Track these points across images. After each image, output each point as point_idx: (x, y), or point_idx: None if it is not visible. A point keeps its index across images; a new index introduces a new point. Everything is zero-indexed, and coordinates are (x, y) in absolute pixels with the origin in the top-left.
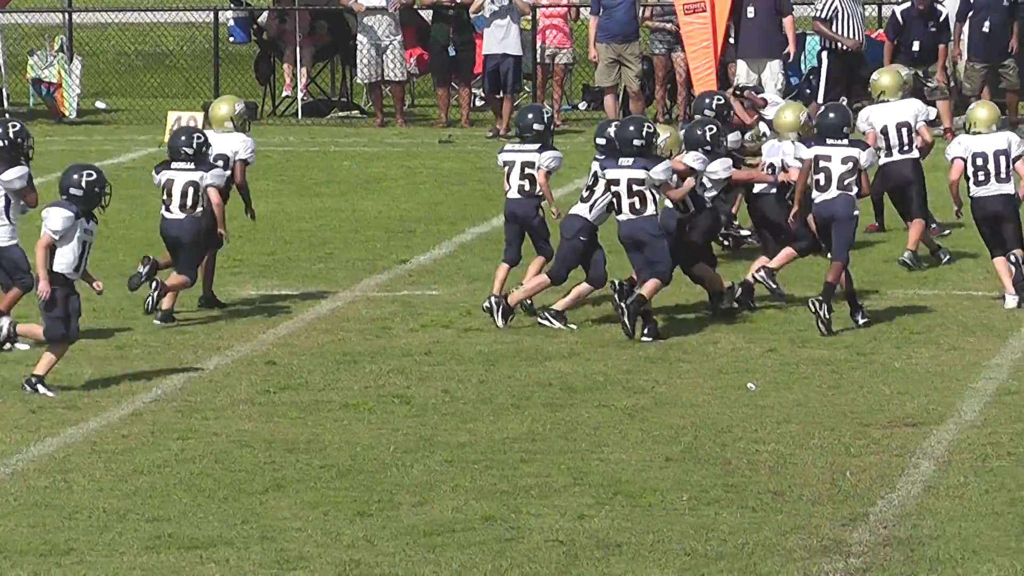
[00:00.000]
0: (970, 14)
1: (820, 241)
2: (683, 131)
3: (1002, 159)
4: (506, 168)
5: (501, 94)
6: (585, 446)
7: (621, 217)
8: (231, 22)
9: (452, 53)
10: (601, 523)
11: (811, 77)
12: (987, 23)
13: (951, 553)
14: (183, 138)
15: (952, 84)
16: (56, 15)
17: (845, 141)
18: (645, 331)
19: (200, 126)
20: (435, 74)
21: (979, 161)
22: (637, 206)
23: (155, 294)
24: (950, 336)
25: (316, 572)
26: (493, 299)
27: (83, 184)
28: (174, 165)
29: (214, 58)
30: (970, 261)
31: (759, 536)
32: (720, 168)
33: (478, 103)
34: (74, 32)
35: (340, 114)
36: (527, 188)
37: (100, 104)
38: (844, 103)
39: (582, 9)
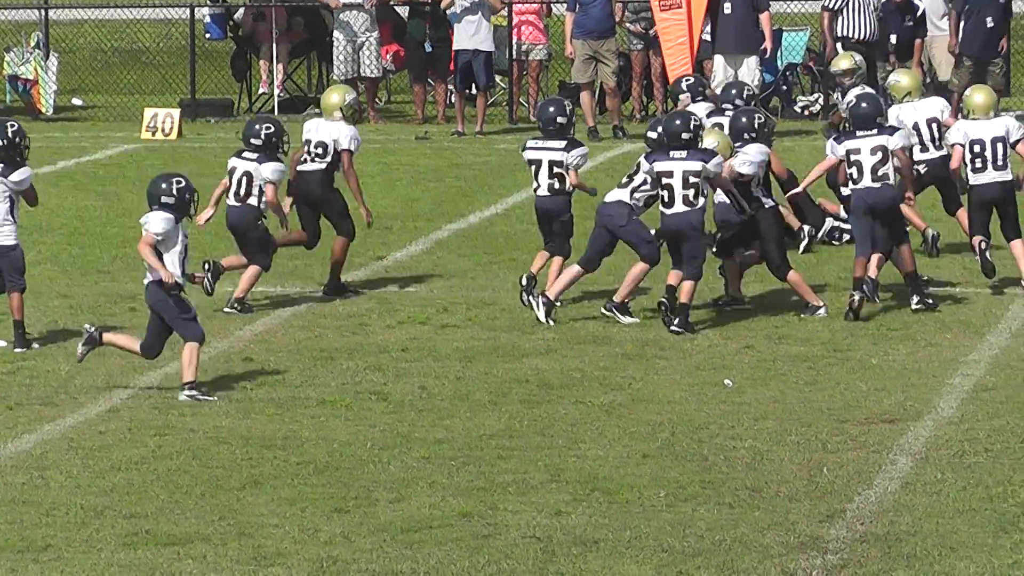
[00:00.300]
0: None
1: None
2: (729, 120)
3: (999, 146)
4: (532, 167)
5: (473, 91)
6: (562, 443)
7: (671, 210)
8: (207, 19)
9: (428, 49)
10: (578, 519)
11: (787, 73)
12: (988, 20)
13: (928, 549)
14: (255, 127)
15: (928, 80)
16: (32, 11)
17: (874, 131)
18: (676, 321)
19: (176, 123)
20: (411, 70)
21: (976, 148)
22: (691, 198)
23: (209, 275)
24: (927, 332)
25: (293, 568)
26: (541, 298)
27: (174, 191)
28: (244, 154)
29: (191, 55)
30: (947, 258)
31: (736, 532)
32: (756, 153)
33: (454, 99)
34: (50, 28)
35: (316, 110)
36: (556, 186)
37: (77, 101)
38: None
39: (557, 5)
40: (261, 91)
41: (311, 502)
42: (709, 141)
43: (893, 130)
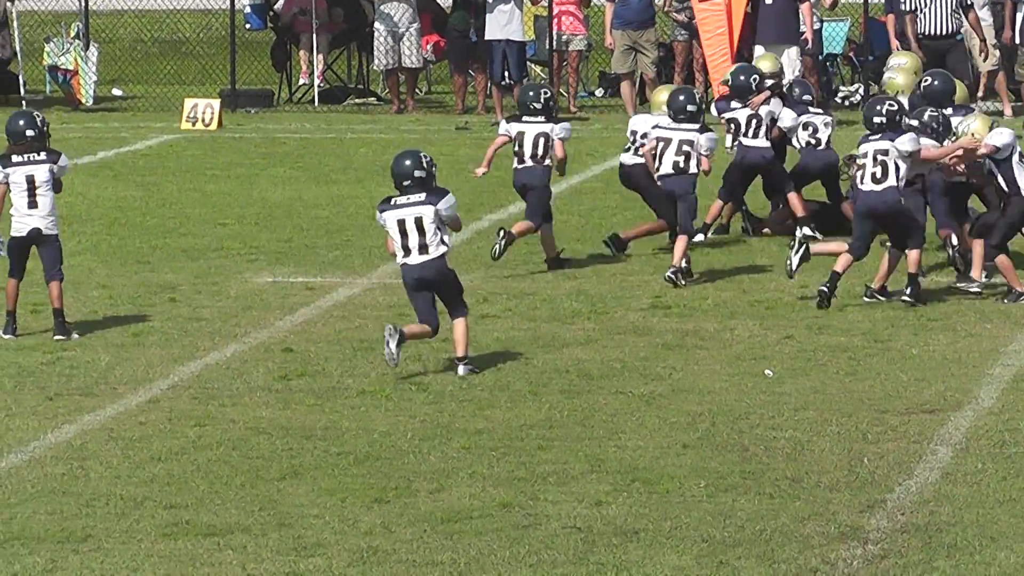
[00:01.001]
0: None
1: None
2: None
3: None
4: (660, 144)
5: (508, 81)
6: (602, 433)
7: (866, 187)
8: (248, 9)
9: (474, 39)
10: (618, 510)
11: (828, 64)
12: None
13: (969, 540)
14: (531, 93)
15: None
16: (73, 2)
17: (878, 135)
18: (908, 292)
19: (216, 113)
20: (453, 61)
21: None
22: (879, 175)
23: (502, 242)
24: (967, 323)
25: (333, 559)
26: (673, 273)
27: (424, 164)
28: (524, 119)
29: (231, 45)
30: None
31: (777, 523)
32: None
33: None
34: (90, 19)
35: (356, 101)
36: (681, 164)
37: (116, 91)
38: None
39: None
40: (301, 82)
41: (351, 492)
42: (968, 124)
43: (899, 134)
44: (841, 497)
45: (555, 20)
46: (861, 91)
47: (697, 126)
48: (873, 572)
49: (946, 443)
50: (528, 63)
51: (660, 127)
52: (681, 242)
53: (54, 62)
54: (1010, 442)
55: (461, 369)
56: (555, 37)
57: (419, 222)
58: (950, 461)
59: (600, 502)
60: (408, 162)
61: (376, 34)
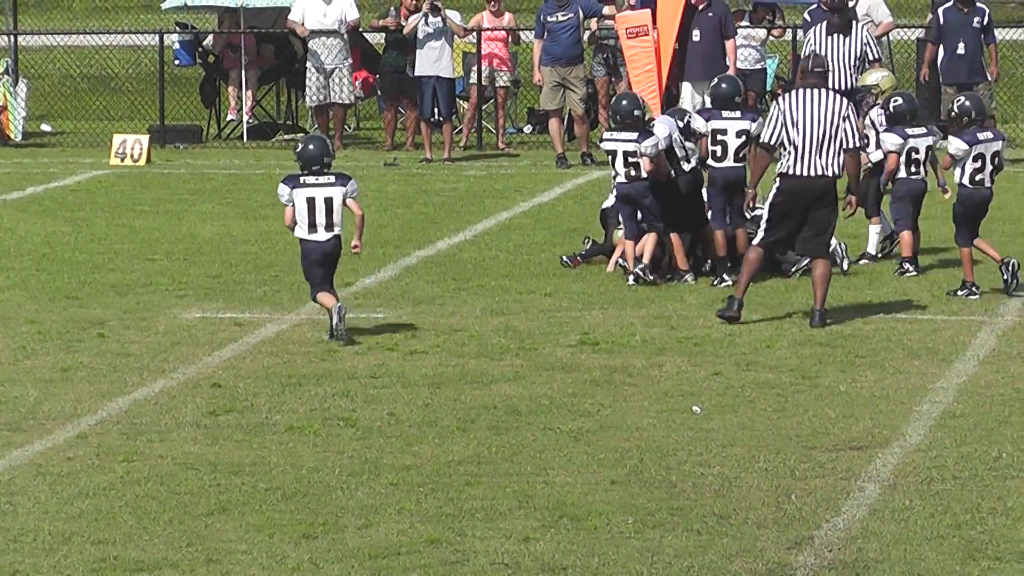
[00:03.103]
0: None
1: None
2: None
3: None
4: (610, 156)
5: (438, 117)
6: (530, 469)
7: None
8: (176, 45)
9: (411, 75)
10: (546, 546)
11: (759, 102)
12: (960, 45)
13: (894, 570)
14: (622, 104)
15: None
16: (2, 38)
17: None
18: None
19: (145, 149)
20: (385, 97)
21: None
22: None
23: (644, 269)
24: (895, 359)
25: None
26: (640, 269)
27: (331, 151)
28: (616, 135)
29: (159, 81)
30: (915, 285)
31: (704, 559)
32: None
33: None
34: (19, 55)
35: (285, 137)
36: (633, 173)
37: (46, 127)
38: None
39: (525, 33)
40: (230, 117)
41: (279, 528)
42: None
43: (756, 116)
44: (768, 534)
45: (484, 57)
46: None
47: (637, 133)
48: None
49: (874, 480)
50: (457, 99)
51: (606, 139)
52: (651, 239)
53: None
54: (937, 479)
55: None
56: (482, 73)
57: (328, 202)
58: (877, 498)
59: (528, 538)
60: (317, 147)
61: (308, 71)
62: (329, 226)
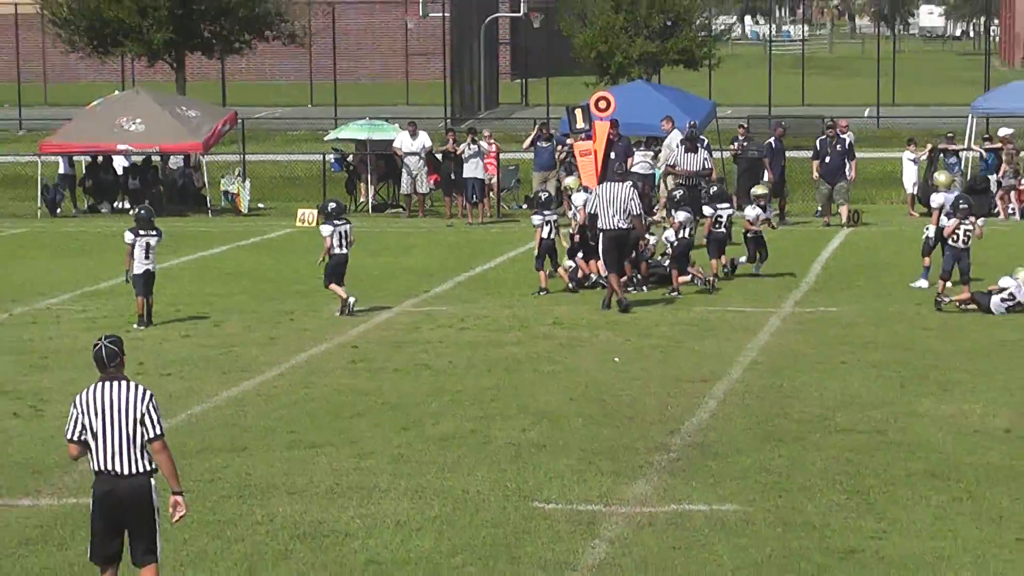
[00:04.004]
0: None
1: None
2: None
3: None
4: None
5: (475, 200)
6: (526, 392)
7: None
8: (332, 160)
9: (453, 177)
10: (535, 434)
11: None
12: (828, 158)
13: (724, 447)
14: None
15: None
16: (235, 155)
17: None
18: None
19: (315, 218)
20: (445, 189)
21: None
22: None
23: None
24: (725, 332)
25: (381, 461)
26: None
27: (344, 204)
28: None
29: (323, 179)
30: (735, 291)
31: (621, 441)
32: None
33: (466, 205)
34: (246, 165)
35: (392, 211)
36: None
37: (260, 205)
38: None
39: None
40: (361, 200)
41: (388, 425)
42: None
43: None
44: (656, 427)
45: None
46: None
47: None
48: (672, 467)
49: (714, 398)
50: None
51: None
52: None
53: (226, 188)
54: (747, 397)
55: None
56: (499, 175)
57: (346, 233)
58: (715, 408)
59: (524, 429)
60: (340, 205)
61: (402, 175)
62: (347, 245)
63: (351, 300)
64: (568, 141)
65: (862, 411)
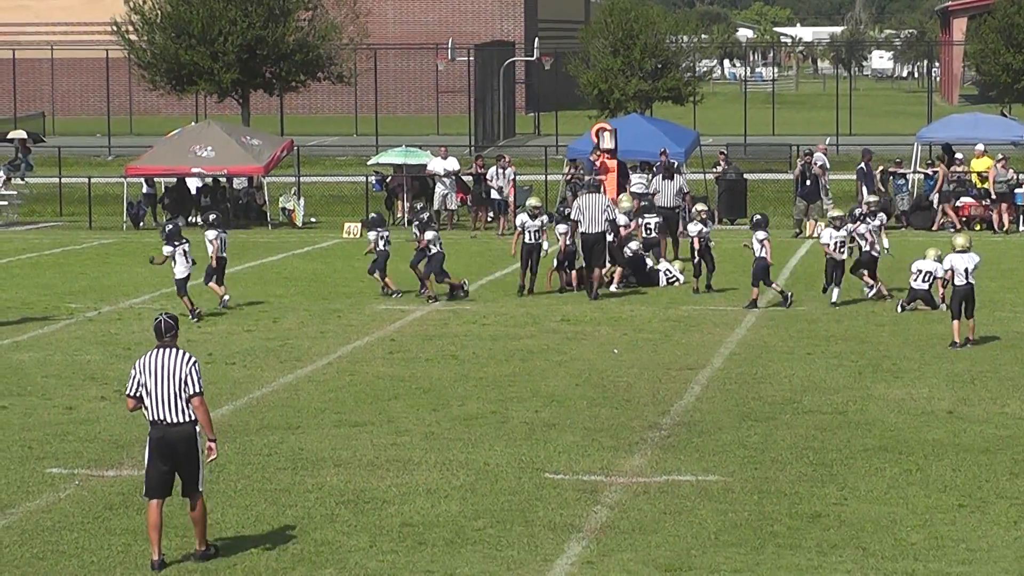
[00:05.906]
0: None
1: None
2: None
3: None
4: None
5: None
6: (538, 378)
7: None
8: (374, 180)
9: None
10: (546, 414)
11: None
12: (809, 181)
13: (707, 426)
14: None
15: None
16: (291, 178)
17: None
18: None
19: (360, 230)
20: (472, 205)
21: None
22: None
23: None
24: (708, 327)
25: (415, 438)
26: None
27: (382, 217)
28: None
29: (366, 197)
30: (719, 296)
31: (618, 420)
32: None
33: (489, 219)
34: (301, 186)
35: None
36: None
37: (313, 219)
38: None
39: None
40: (399, 215)
41: (421, 406)
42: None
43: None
44: (649, 408)
45: (512, 189)
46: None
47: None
48: (663, 443)
49: (698, 383)
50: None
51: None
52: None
53: (283, 205)
54: (727, 383)
55: None
56: (517, 194)
57: (386, 237)
58: (700, 392)
59: (537, 411)
60: (380, 216)
61: (435, 193)
62: (386, 244)
63: (395, 289)
64: (592, 157)
65: (825, 395)
